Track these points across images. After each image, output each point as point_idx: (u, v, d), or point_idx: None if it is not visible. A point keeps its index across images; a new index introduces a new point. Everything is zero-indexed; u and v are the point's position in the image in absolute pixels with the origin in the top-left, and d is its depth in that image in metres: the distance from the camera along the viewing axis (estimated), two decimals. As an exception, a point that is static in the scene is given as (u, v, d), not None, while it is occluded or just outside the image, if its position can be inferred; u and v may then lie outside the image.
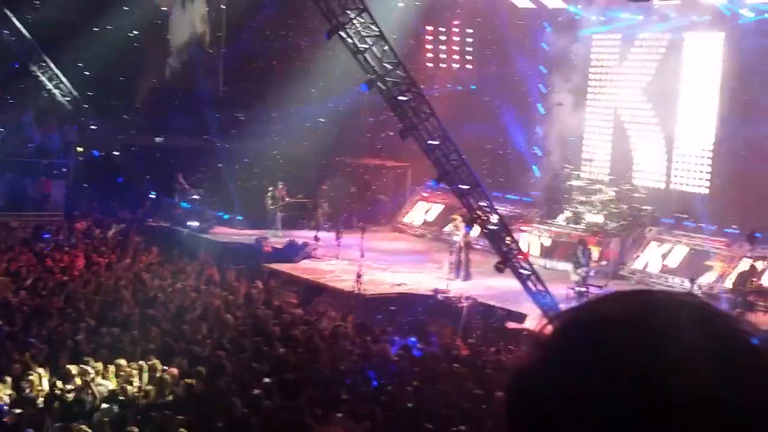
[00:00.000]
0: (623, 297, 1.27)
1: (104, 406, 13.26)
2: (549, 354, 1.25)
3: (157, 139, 31.97)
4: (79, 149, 31.36)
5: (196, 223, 28.26)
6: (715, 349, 1.19)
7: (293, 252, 25.23)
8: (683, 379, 1.15)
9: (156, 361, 14.79)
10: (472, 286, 22.59)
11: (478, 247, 25.23)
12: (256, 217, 28.73)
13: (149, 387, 13.94)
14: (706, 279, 22.89)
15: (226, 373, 14.30)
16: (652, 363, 1.16)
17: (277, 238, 26.56)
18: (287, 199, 28.27)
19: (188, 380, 13.99)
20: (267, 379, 13.99)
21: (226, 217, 29.31)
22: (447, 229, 27.27)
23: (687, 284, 21.84)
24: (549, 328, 1.27)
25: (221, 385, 13.63)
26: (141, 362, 14.75)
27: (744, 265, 22.05)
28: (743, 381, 1.17)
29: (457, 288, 21.95)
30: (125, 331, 16.42)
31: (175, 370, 14.51)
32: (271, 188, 28.28)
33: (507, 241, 20.52)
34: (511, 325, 19.62)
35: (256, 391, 13.30)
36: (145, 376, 14.40)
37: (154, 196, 30.22)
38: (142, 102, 33.44)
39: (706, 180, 25.52)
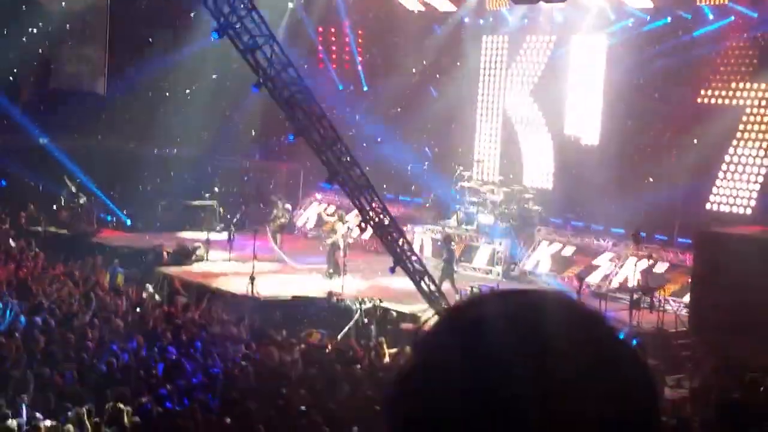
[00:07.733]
0: (497, 298, 1.27)
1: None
2: (425, 358, 1.24)
3: (42, 141, 31.08)
4: None
5: (84, 226, 27.61)
6: (588, 347, 1.20)
7: (184, 255, 24.84)
8: (557, 381, 1.16)
9: (46, 369, 14.36)
10: (366, 287, 22.62)
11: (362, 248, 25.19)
12: (146, 220, 28.23)
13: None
14: (594, 278, 23.38)
15: (115, 380, 14.00)
16: (523, 365, 1.17)
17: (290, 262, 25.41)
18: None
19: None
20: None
21: (122, 217, 28.77)
22: (325, 229, 27.02)
23: (575, 283, 22.25)
24: (426, 331, 1.27)
25: (109, 394, 13.32)
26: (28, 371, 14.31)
27: (629, 263, 22.63)
28: (617, 378, 1.19)
29: (351, 290, 21.96)
30: (10, 340, 15.90)
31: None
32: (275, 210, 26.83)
33: (399, 242, 20.61)
34: (406, 326, 19.70)
35: (145, 399, 13.05)
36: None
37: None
38: (24, 102, 32.48)
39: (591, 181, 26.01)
